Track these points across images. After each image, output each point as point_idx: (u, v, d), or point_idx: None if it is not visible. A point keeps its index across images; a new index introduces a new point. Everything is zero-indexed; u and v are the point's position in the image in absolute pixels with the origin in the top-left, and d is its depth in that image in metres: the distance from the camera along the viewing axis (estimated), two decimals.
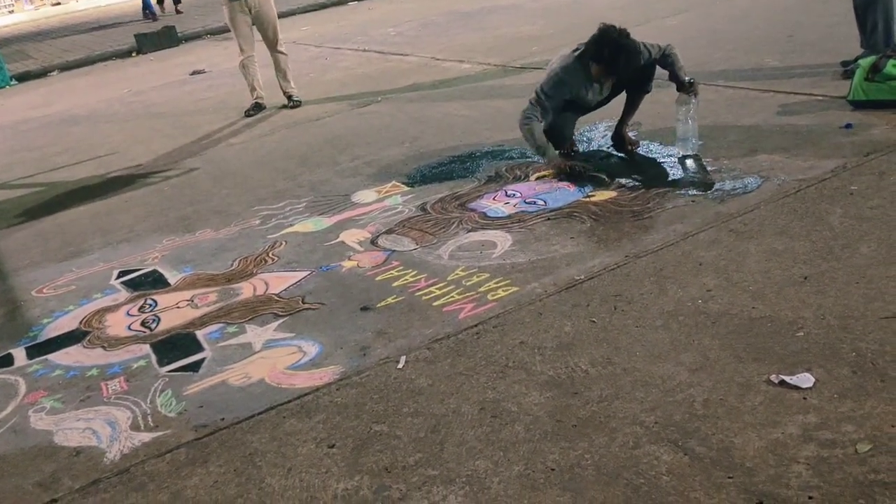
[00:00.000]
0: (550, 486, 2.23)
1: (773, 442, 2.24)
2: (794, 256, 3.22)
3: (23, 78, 13.79)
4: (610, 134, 4.99)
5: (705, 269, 3.25)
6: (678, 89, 4.56)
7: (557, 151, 4.65)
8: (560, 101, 4.59)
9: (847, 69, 5.18)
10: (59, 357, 3.51)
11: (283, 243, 4.32)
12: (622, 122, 4.86)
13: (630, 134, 4.88)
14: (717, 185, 4.04)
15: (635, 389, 2.58)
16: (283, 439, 2.65)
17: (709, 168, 4.28)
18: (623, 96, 4.83)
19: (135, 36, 14.67)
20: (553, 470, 2.29)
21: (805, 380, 2.45)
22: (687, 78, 4.53)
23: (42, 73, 13.92)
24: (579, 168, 4.50)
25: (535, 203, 4.24)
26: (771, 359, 2.60)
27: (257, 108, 7.70)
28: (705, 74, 5.74)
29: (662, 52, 4.54)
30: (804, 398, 2.39)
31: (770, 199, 3.75)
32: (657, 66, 4.62)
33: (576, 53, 4.54)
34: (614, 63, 4.39)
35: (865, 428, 2.22)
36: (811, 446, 2.20)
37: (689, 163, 4.43)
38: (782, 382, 2.46)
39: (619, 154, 4.80)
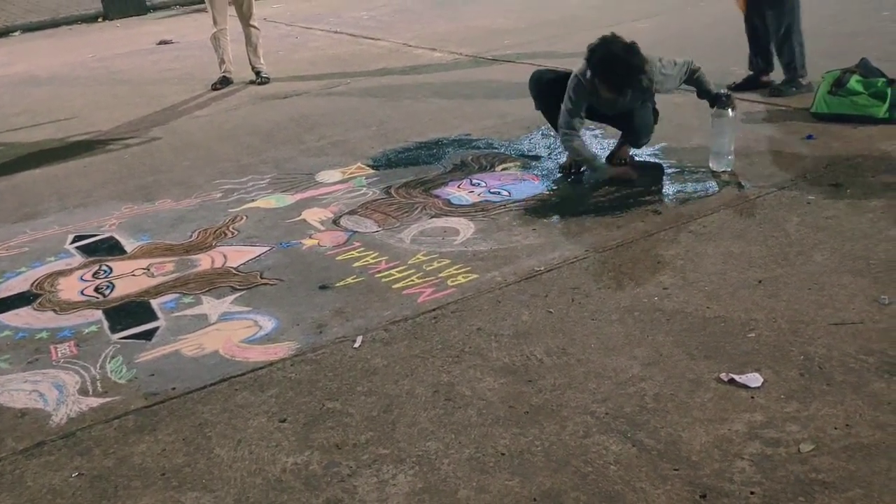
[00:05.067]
0: (500, 470, 2.25)
1: (719, 438, 2.28)
2: (749, 260, 3.27)
3: None
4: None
5: (663, 267, 3.29)
6: (711, 105, 4.27)
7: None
8: (583, 105, 4.26)
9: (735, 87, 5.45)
10: (9, 318, 3.45)
11: (244, 218, 4.29)
12: (619, 147, 4.54)
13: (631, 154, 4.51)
14: (679, 188, 4.09)
15: (588, 380, 2.61)
16: (234, 411, 2.64)
17: (669, 171, 4.33)
18: None
19: (102, 1, 14.38)
20: (503, 454, 2.31)
21: (754, 379, 2.50)
22: (722, 91, 4.33)
23: (3, 33, 13.59)
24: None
25: (499, 193, 4.26)
26: (722, 357, 2.65)
27: (225, 81, 7.61)
28: None
29: (689, 68, 4.25)
30: (752, 397, 2.44)
31: (730, 204, 3.82)
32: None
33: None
34: (607, 76, 4.00)
35: (809, 429, 2.28)
36: (756, 444, 2.24)
37: (720, 178, 4.21)
38: (731, 381, 2.51)
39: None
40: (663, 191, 4.10)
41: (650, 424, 2.37)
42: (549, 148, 4.88)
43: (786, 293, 3.00)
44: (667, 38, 7.35)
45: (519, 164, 4.69)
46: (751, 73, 5.64)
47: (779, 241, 3.41)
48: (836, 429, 2.27)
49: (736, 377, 2.52)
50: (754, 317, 2.86)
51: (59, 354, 3.10)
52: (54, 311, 3.47)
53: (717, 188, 4.02)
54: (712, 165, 4.26)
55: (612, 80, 4.04)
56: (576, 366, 2.69)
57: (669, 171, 4.34)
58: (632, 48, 4.02)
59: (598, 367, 2.67)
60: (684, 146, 4.63)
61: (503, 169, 4.63)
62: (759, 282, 3.10)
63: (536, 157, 4.75)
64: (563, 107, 4.27)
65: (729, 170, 4.21)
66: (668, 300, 3.04)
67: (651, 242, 3.53)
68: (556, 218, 3.93)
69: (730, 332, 2.79)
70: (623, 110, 4.35)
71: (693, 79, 4.30)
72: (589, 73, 4.10)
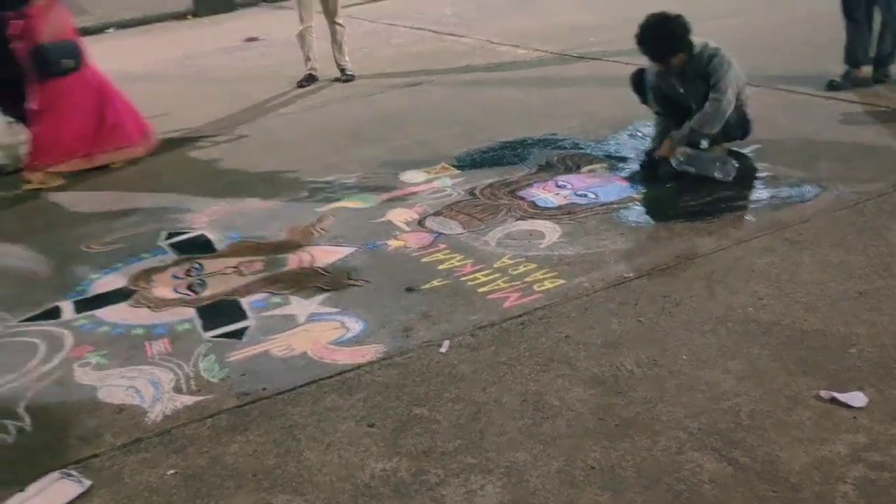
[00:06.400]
0: (590, 485, 2.22)
1: (820, 459, 2.20)
2: (849, 270, 3.15)
3: (79, 33, 13.90)
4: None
5: (757, 276, 3.20)
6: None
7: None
8: (657, 91, 4.44)
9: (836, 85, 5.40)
10: (106, 314, 3.55)
11: (331, 217, 4.33)
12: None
13: (674, 160, 4.26)
14: (773, 192, 3.96)
15: (680, 394, 2.55)
16: (323, 414, 2.66)
17: (761, 174, 4.21)
18: None
19: None
20: (593, 468, 2.27)
21: (856, 398, 2.41)
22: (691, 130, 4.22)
23: (99, 30, 14.02)
24: (653, 162, 4.36)
25: (586, 195, 4.20)
26: (821, 374, 2.56)
27: (310, 79, 7.69)
28: (765, 77, 5.64)
29: (716, 90, 4.13)
30: (854, 417, 2.35)
31: (827, 210, 3.68)
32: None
33: None
34: (641, 43, 4.17)
35: None
36: (859, 467, 2.16)
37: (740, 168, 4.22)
38: (832, 399, 2.42)
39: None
40: (756, 195, 3.98)
41: (746, 442, 2.30)
42: (636, 149, 4.78)
43: (889, 306, 2.88)
44: (758, 34, 7.15)
45: (606, 165, 4.62)
46: (847, 67, 5.45)
47: (880, 250, 3.28)
48: None
49: (837, 395, 2.43)
50: (855, 331, 2.75)
51: (155, 351, 3.19)
52: (149, 307, 3.56)
53: (813, 193, 3.88)
54: (722, 179, 4.13)
55: (647, 47, 4.18)
56: (667, 378, 2.63)
57: (762, 174, 4.22)
58: (667, 17, 4.14)
59: (691, 380, 2.61)
60: (777, 148, 4.49)
61: (590, 170, 4.57)
62: (860, 294, 2.98)
63: (623, 159, 4.67)
64: None
65: (735, 173, 4.12)
66: (763, 311, 2.95)
67: (744, 249, 3.44)
68: (644, 222, 3.87)
69: (829, 346, 2.69)
70: (696, 99, 4.28)
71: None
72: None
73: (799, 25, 7.34)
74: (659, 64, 4.27)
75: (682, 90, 4.31)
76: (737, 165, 4.16)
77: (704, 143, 4.40)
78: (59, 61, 5.58)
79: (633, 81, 4.63)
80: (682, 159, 4.21)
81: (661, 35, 4.14)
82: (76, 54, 5.74)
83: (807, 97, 5.31)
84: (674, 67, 4.22)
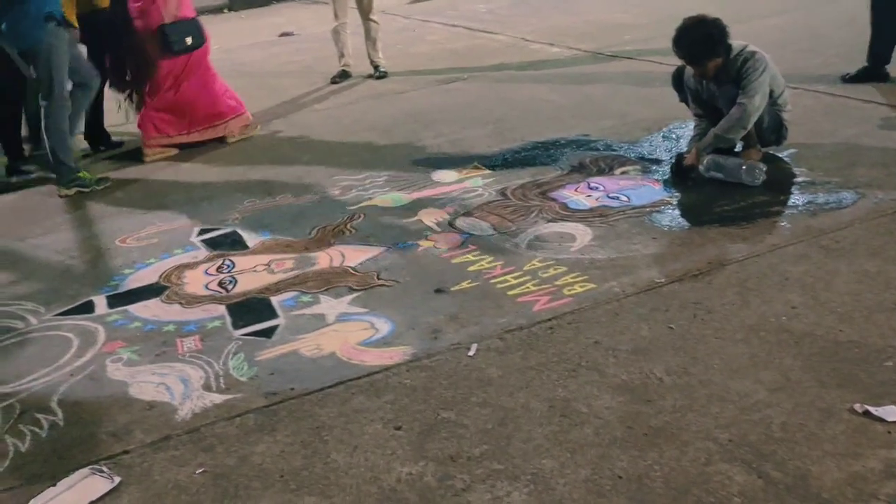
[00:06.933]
0: (617, 495, 2.20)
1: (852, 474, 2.16)
2: (886, 281, 3.10)
3: None
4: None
5: (791, 284, 3.15)
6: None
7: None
8: (695, 94, 4.42)
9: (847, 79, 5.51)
10: (139, 309, 3.59)
11: (362, 216, 4.33)
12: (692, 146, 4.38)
13: (701, 167, 4.22)
14: (809, 198, 3.90)
15: (710, 403, 2.52)
16: (350, 416, 2.67)
17: (798, 179, 4.15)
18: None
19: None
20: (620, 478, 2.25)
21: (891, 412, 2.37)
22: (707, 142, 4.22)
23: None
24: (683, 169, 4.27)
25: (618, 198, 4.16)
26: (856, 387, 2.51)
27: (344, 75, 7.72)
28: (803, 78, 5.56)
29: (745, 94, 4.08)
30: (889, 432, 2.31)
31: (865, 218, 3.62)
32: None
33: None
34: (675, 45, 4.17)
35: None
36: (893, 484, 2.12)
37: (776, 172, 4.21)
38: (866, 413, 2.38)
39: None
40: (792, 201, 3.92)
41: (777, 455, 2.27)
42: (670, 151, 4.73)
43: None
44: (798, 36, 7.05)
45: (639, 167, 4.57)
46: (867, 64, 5.41)
47: None
48: None
49: (871, 409, 2.39)
50: (892, 343, 2.70)
51: (185, 348, 3.21)
52: (180, 304, 3.60)
53: (851, 200, 3.81)
54: (749, 183, 4.07)
55: (682, 50, 4.18)
56: (697, 387, 2.60)
57: (799, 179, 4.15)
58: (705, 20, 4.13)
59: (721, 389, 2.58)
60: (815, 153, 4.41)
61: (622, 172, 4.53)
62: None
63: (657, 161, 4.62)
64: None
65: (763, 177, 4.07)
66: (796, 321, 2.91)
67: (778, 256, 3.39)
68: (677, 226, 3.82)
69: (864, 358, 2.65)
70: (728, 104, 4.20)
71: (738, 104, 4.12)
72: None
73: (839, 26, 7.21)
74: (694, 67, 4.22)
75: (718, 94, 4.26)
76: (764, 169, 4.09)
77: (739, 146, 4.35)
78: (183, 39, 5.80)
79: (673, 79, 4.59)
80: (709, 166, 4.16)
81: (698, 39, 4.10)
82: (198, 32, 5.98)
83: (845, 100, 5.22)
84: (709, 72, 4.16)
